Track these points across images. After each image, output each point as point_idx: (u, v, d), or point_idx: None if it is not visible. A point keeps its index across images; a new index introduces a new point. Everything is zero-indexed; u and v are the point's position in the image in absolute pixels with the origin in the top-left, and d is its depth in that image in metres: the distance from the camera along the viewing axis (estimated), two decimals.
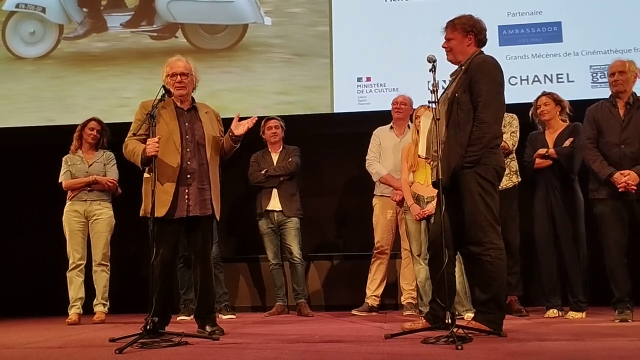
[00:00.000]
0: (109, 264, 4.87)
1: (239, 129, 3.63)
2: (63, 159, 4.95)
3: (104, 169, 4.93)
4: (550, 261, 4.38)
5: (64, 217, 4.87)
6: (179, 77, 3.61)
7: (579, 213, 4.34)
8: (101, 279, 4.82)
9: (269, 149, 5.26)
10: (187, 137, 3.59)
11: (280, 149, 5.24)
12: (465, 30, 3.42)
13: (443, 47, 3.48)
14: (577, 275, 4.26)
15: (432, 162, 3.42)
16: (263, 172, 5.13)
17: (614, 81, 4.10)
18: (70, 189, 4.88)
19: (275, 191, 5.12)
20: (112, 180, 4.90)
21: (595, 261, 4.34)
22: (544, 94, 4.53)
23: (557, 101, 4.46)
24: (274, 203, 5.11)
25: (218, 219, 3.71)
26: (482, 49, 3.47)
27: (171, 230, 3.54)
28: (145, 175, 3.66)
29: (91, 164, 4.92)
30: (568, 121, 4.46)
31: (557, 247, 4.36)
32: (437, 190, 3.36)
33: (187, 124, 3.62)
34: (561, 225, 4.33)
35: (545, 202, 4.40)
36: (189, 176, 3.55)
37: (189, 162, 3.56)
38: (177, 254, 3.75)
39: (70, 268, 4.82)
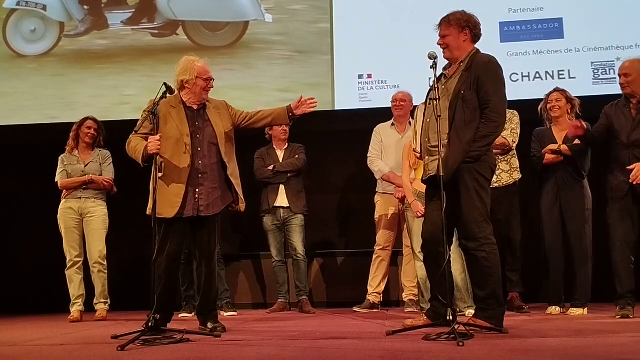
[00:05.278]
0: (105, 262, 4.84)
1: (299, 109, 3.69)
2: (59, 158, 4.93)
3: (100, 168, 4.91)
4: (559, 259, 4.34)
5: (59, 215, 4.86)
6: (212, 82, 3.67)
7: (589, 211, 4.32)
8: (99, 279, 4.79)
9: (274, 146, 5.25)
10: (199, 136, 3.59)
11: (286, 146, 5.24)
12: (461, 26, 3.41)
13: (439, 44, 3.46)
14: (585, 273, 4.25)
15: (426, 157, 3.41)
16: (271, 167, 5.12)
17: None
18: (66, 189, 4.88)
19: (282, 187, 5.12)
20: (108, 180, 4.88)
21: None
22: (557, 90, 4.49)
23: (569, 99, 4.44)
24: (282, 199, 5.11)
25: (243, 209, 3.73)
26: (478, 44, 3.46)
27: (178, 227, 3.55)
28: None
29: (87, 164, 4.89)
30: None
31: (565, 245, 4.33)
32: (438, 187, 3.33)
33: (197, 124, 3.62)
34: (571, 223, 4.30)
35: (554, 199, 4.35)
36: (200, 176, 3.55)
37: (200, 162, 3.56)
38: (183, 251, 3.76)
39: (68, 266, 4.81)
